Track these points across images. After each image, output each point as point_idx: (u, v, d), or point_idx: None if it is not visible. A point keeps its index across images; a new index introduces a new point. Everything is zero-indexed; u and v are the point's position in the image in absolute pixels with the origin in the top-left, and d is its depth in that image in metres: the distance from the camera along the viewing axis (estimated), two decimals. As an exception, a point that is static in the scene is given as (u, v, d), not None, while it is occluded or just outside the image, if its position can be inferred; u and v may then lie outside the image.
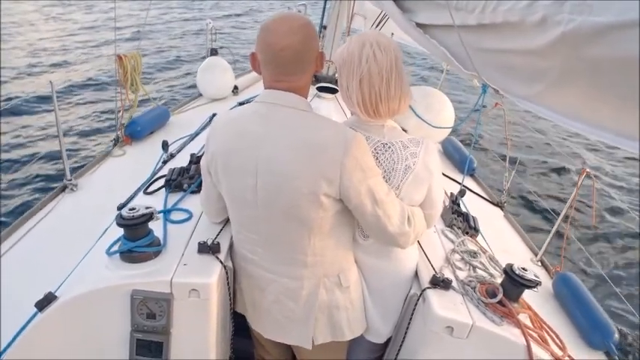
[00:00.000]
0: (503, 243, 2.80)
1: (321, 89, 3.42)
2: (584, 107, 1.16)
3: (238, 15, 20.62)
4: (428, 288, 1.76)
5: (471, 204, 2.81)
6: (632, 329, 4.22)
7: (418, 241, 1.95)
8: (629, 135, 1.05)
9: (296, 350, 1.99)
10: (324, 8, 4.52)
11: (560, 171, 7.81)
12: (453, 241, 2.15)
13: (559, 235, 2.85)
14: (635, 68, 0.91)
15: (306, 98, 1.59)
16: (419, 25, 1.89)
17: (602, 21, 0.95)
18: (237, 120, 1.57)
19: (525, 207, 6.28)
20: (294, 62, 1.48)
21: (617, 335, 2.09)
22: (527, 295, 1.78)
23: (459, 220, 2.36)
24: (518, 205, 6.19)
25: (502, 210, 3.54)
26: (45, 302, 1.59)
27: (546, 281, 2.60)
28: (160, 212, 1.94)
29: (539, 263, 2.88)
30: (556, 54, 1.12)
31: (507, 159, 3.87)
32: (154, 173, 2.56)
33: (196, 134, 3.33)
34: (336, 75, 3.82)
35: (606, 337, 2.07)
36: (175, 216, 1.99)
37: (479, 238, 2.34)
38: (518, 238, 3.20)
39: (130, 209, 1.64)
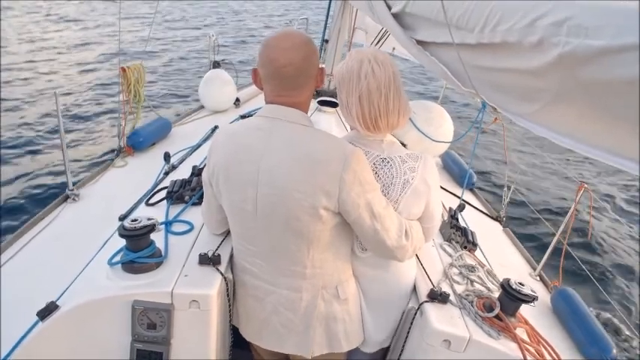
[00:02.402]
0: (502, 257, 2.81)
1: (322, 103, 3.45)
2: (581, 127, 1.18)
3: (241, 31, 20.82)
4: (426, 302, 1.78)
5: (470, 218, 2.83)
6: (630, 344, 4.22)
7: (417, 255, 1.97)
8: (626, 155, 1.07)
9: None
10: (326, 22, 4.57)
11: (559, 186, 7.82)
12: (451, 256, 2.16)
13: (558, 249, 2.86)
14: (630, 91, 0.93)
15: (307, 113, 1.62)
16: (419, 42, 1.91)
17: (597, 44, 0.97)
18: (238, 133, 1.60)
19: (524, 222, 6.27)
20: (295, 78, 1.51)
21: (614, 350, 2.09)
22: (526, 309, 1.79)
23: (457, 234, 2.37)
24: (517, 220, 6.18)
25: (501, 224, 3.55)
26: (46, 311, 1.61)
27: (545, 296, 2.61)
28: (161, 224, 1.96)
29: (538, 278, 2.88)
30: (553, 75, 1.14)
31: (506, 173, 3.89)
32: (156, 184, 2.59)
33: (198, 146, 3.35)
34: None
35: (604, 352, 2.07)
36: (177, 227, 2.01)
37: (477, 252, 2.35)
38: (517, 252, 3.20)
39: (133, 220, 1.66)
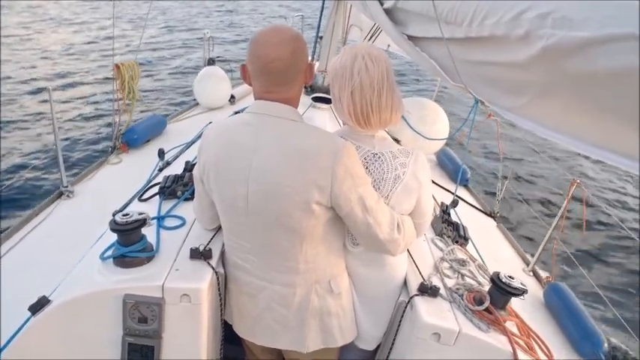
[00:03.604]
0: (496, 253, 2.82)
1: (316, 99, 3.46)
2: (568, 120, 1.19)
3: (235, 26, 20.80)
4: (416, 295, 1.78)
5: (464, 214, 2.83)
6: (622, 339, 4.24)
7: (408, 250, 1.97)
8: (612, 148, 1.08)
9: (287, 356, 2.00)
10: (320, 19, 4.57)
11: (552, 182, 7.85)
12: (442, 250, 2.17)
13: (551, 245, 2.87)
14: (613, 82, 0.94)
15: (297, 108, 1.61)
16: (410, 37, 1.92)
17: (582, 36, 0.98)
18: (228, 130, 1.60)
19: (518, 217, 6.29)
20: (283, 73, 1.51)
21: (606, 345, 2.10)
22: (519, 304, 1.80)
23: (449, 229, 2.37)
24: (511, 216, 6.21)
25: (495, 220, 3.56)
26: (38, 306, 1.61)
27: (537, 291, 2.62)
28: (153, 218, 1.96)
29: (531, 273, 2.89)
30: (539, 67, 1.15)
31: (500, 169, 3.91)
32: (150, 181, 2.59)
33: (192, 142, 3.35)
34: (331, 85, 3.86)
35: (596, 346, 2.08)
36: (169, 222, 2.02)
37: (470, 247, 2.36)
38: (511, 248, 3.22)
39: (124, 215, 1.66)
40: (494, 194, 3.70)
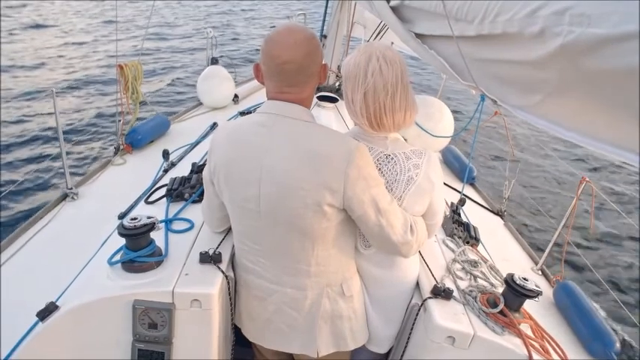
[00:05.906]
0: (504, 252, 2.80)
1: (321, 98, 3.43)
2: (582, 118, 1.16)
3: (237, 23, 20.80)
4: (429, 298, 1.76)
5: (471, 213, 2.81)
6: (634, 338, 4.21)
7: (419, 251, 1.95)
8: (626, 147, 1.06)
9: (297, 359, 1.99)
10: (324, 17, 4.55)
11: (560, 180, 7.81)
12: (453, 251, 2.15)
13: (559, 244, 2.84)
14: (631, 79, 0.92)
15: (310, 109, 1.60)
16: (418, 35, 1.89)
17: (601, 33, 0.95)
18: (240, 130, 1.58)
19: (526, 216, 6.27)
20: (297, 74, 1.49)
21: (618, 344, 2.08)
22: (528, 304, 1.78)
23: (459, 229, 2.36)
24: (518, 214, 6.18)
25: (502, 219, 3.53)
26: (46, 312, 1.59)
27: (547, 290, 2.60)
28: (161, 222, 1.94)
29: (540, 272, 2.87)
30: (554, 65, 1.12)
31: (507, 167, 3.88)
32: (155, 182, 2.57)
33: (197, 143, 3.33)
34: (337, 84, 3.84)
35: (607, 346, 2.06)
36: (177, 226, 2.00)
37: (479, 247, 2.34)
38: (519, 247, 3.19)
39: (132, 219, 1.64)
40: (501, 192, 3.68)
